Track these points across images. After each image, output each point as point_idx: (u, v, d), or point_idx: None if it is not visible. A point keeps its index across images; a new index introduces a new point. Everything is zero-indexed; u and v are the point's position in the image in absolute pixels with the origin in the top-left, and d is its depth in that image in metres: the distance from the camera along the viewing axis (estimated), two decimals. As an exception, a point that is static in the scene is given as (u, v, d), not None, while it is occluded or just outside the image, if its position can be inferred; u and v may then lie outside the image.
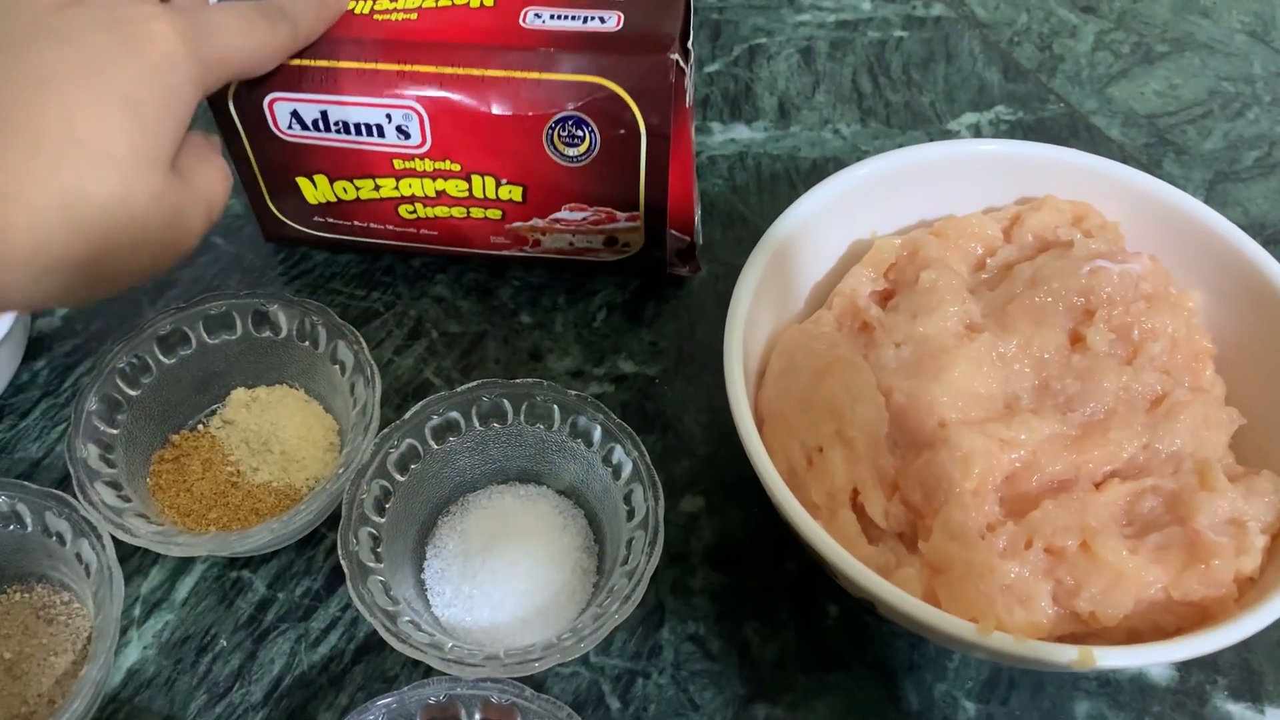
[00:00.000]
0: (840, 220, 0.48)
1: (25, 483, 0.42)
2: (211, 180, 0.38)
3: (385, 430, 0.43)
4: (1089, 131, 0.63)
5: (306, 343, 0.47)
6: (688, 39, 0.46)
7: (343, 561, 0.40)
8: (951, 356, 0.42)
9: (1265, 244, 0.45)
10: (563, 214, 0.50)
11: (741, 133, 0.63)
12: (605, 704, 0.43)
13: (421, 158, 0.49)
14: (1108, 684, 0.44)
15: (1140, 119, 0.64)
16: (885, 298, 0.47)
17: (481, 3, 0.47)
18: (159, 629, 0.44)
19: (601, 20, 0.46)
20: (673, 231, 0.52)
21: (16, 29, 0.32)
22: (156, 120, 0.33)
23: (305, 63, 0.46)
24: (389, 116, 0.47)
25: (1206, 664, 0.44)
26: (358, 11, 0.47)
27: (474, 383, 0.44)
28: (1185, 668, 0.44)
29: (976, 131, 0.63)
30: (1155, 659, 0.35)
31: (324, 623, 0.45)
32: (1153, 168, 0.61)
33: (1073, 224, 0.47)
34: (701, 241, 0.55)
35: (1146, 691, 0.43)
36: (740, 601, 0.45)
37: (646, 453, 0.43)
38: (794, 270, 0.47)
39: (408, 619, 0.39)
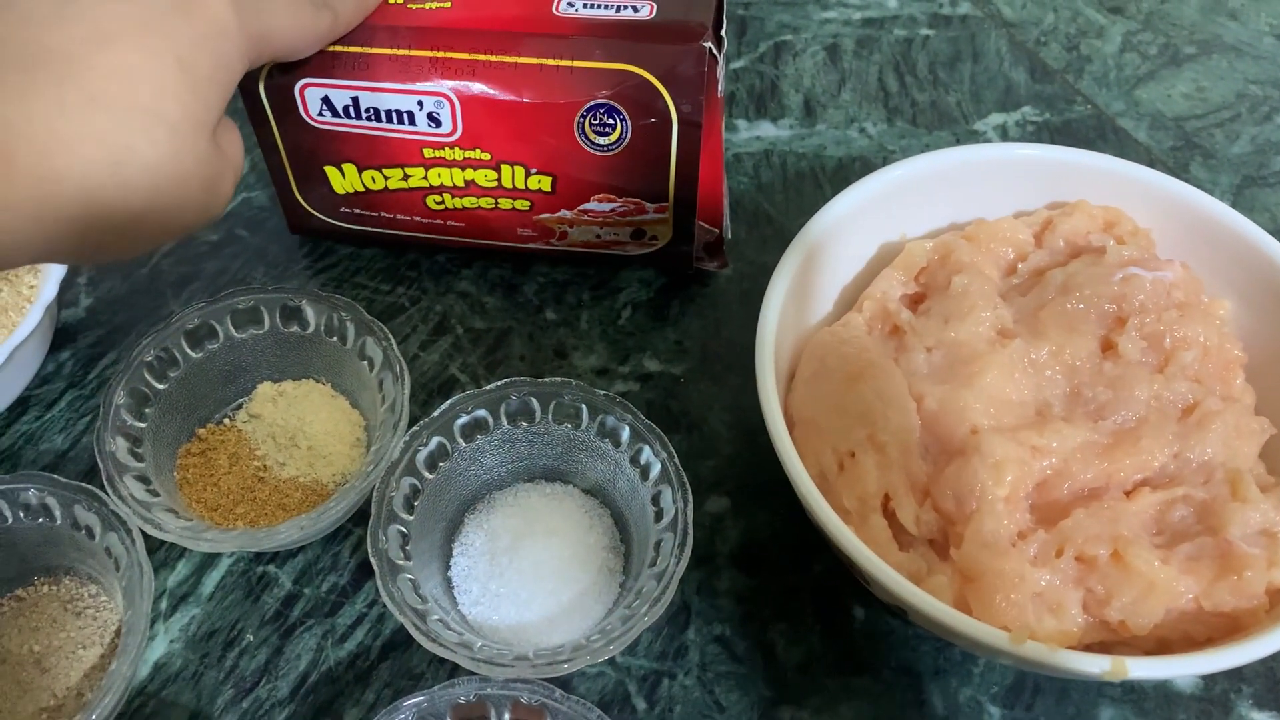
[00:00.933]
0: (870, 223, 0.48)
1: (55, 476, 0.42)
2: (237, 148, 0.39)
3: (414, 428, 0.43)
4: (1116, 134, 0.63)
5: (334, 338, 0.47)
6: (720, 27, 0.46)
7: (372, 560, 0.40)
8: (983, 363, 0.42)
9: (1294, 251, 0.45)
10: (591, 205, 0.50)
11: (767, 130, 0.62)
12: (631, 704, 0.43)
13: (451, 146, 0.49)
14: (1132, 691, 0.44)
15: (1168, 121, 0.64)
16: (916, 301, 0.47)
17: None
18: (185, 623, 0.45)
19: (634, 9, 0.46)
20: (701, 224, 0.52)
21: None
22: (207, 85, 0.34)
23: (338, 48, 0.46)
24: (420, 104, 0.47)
25: (1232, 672, 0.44)
26: (391, 1, 0.47)
27: (502, 381, 0.44)
28: (1211, 676, 0.44)
29: (1003, 132, 0.63)
30: (1187, 670, 0.35)
31: (350, 619, 0.45)
32: (1180, 171, 0.61)
33: (1104, 230, 0.47)
34: (730, 236, 0.55)
35: (1171, 699, 0.43)
36: (766, 604, 0.45)
37: (675, 454, 0.43)
38: (823, 272, 0.47)
39: (436, 617, 0.39)
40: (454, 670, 0.43)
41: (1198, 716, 0.43)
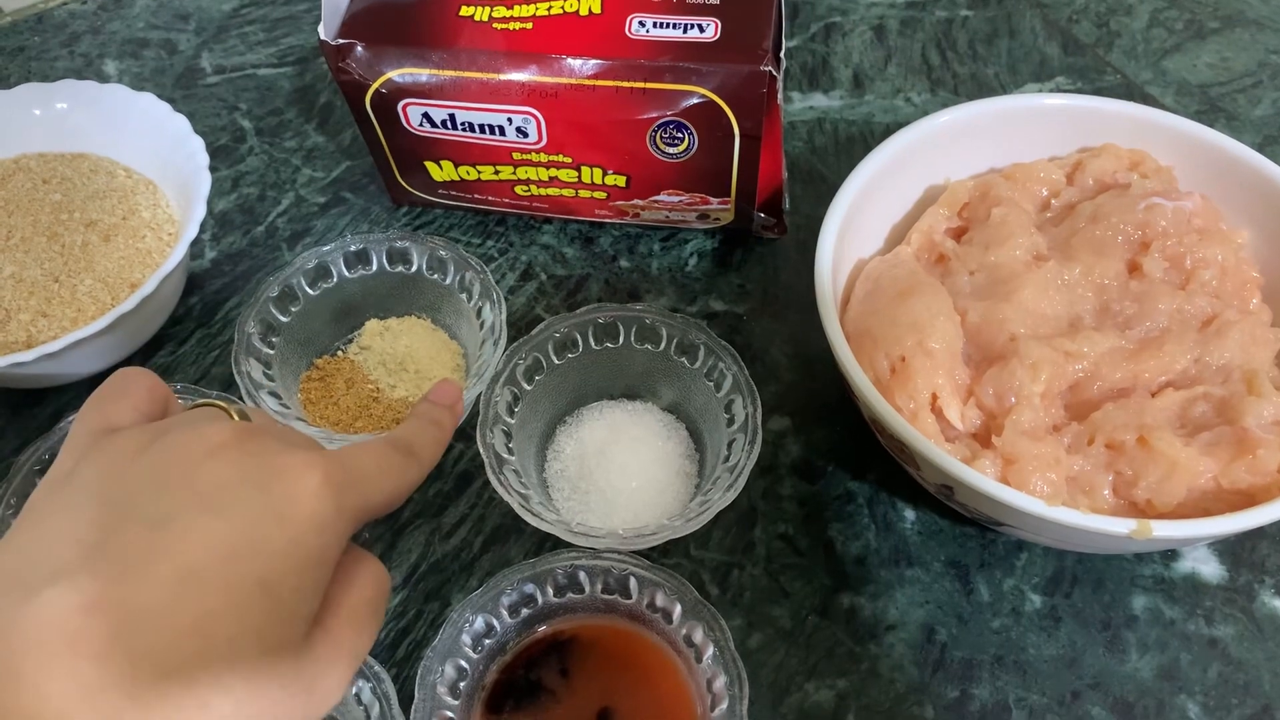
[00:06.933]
0: (916, 167, 0.53)
1: (200, 387, 0.48)
2: (344, 633, 0.31)
3: (515, 344, 0.49)
4: (1144, 100, 0.67)
5: (436, 275, 0.53)
6: (780, 45, 0.51)
7: (482, 451, 0.45)
8: (1021, 281, 0.47)
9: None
10: (661, 197, 0.56)
11: (819, 100, 0.68)
12: (706, 590, 0.48)
13: (537, 152, 0.54)
14: (1163, 581, 0.48)
15: (1193, 88, 0.68)
16: (959, 234, 0.52)
17: (590, 10, 0.52)
18: (309, 524, 0.50)
19: (700, 29, 0.50)
20: (759, 214, 0.57)
21: (169, 487, 0.29)
22: (293, 598, 0.29)
23: (435, 72, 0.52)
24: (510, 120, 0.53)
25: (1255, 564, 0.48)
26: (477, 19, 0.52)
27: (592, 305, 0.50)
28: (1235, 567, 0.48)
29: (1038, 100, 0.67)
30: (1207, 531, 0.39)
31: (454, 519, 0.50)
32: (1205, 133, 0.66)
33: (1130, 169, 0.51)
34: (789, 206, 0.60)
35: (1199, 588, 0.48)
36: (825, 507, 0.50)
37: (745, 367, 0.48)
38: (873, 212, 0.52)
39: (538, 500, 0.45)
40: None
41: (1224, 604, 0.47)
